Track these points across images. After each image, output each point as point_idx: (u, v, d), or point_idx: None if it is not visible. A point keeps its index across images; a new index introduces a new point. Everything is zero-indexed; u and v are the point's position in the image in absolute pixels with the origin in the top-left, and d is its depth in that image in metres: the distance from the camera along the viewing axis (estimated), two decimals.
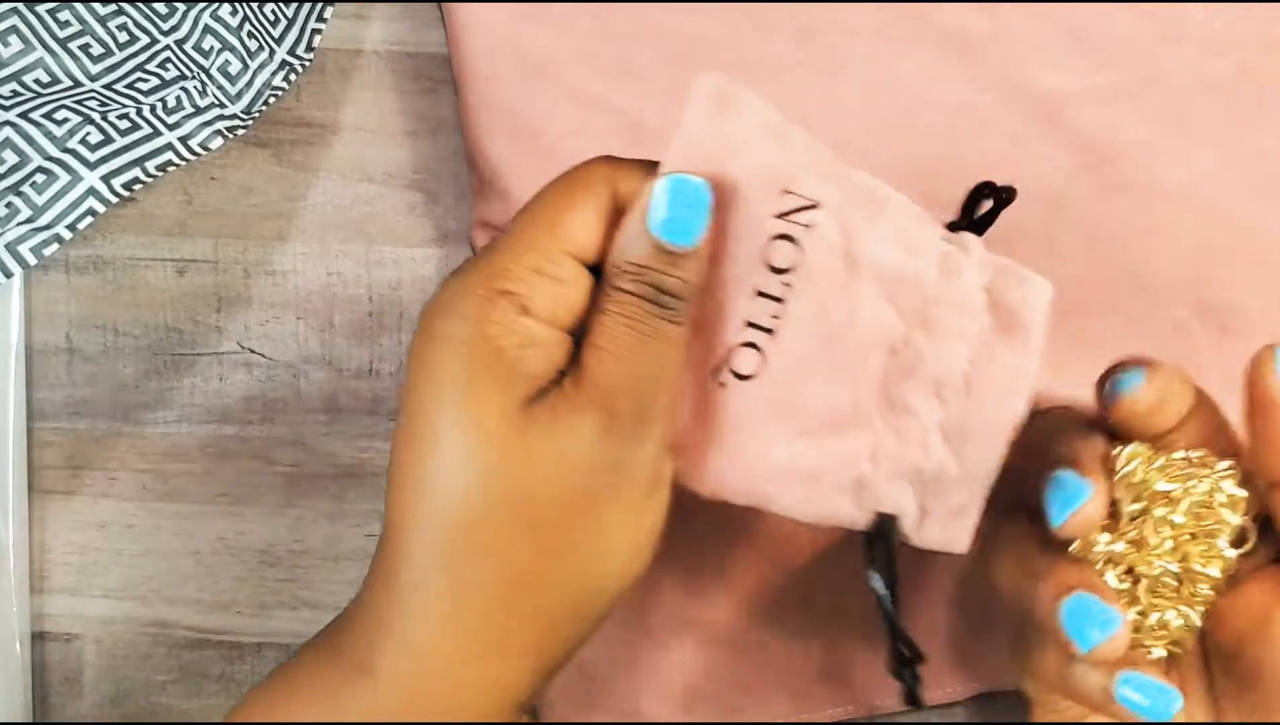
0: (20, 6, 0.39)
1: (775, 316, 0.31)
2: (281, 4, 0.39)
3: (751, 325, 0.32)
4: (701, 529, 0.41)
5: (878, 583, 0.32)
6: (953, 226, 0.33)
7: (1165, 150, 0.40)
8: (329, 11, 0.40)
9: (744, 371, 0.32)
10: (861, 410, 0.32)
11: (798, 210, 0.31)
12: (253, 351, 0.44)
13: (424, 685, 0.31)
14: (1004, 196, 0.33)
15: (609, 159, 0.32)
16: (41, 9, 0.39)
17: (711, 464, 0.32)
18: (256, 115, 0.39)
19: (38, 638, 0.45)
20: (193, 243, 0.44)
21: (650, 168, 0.32)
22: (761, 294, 0.32)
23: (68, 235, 0.36)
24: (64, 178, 0.36)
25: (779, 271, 0.31)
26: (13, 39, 0.38)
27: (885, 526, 0.32)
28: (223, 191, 0.44)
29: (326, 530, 0.45)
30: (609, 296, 0.31)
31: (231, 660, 0.45)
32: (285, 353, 0.44)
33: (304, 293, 0.44)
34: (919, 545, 0.32)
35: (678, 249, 0.30)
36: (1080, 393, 0.34)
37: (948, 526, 0.32)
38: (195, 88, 0.38)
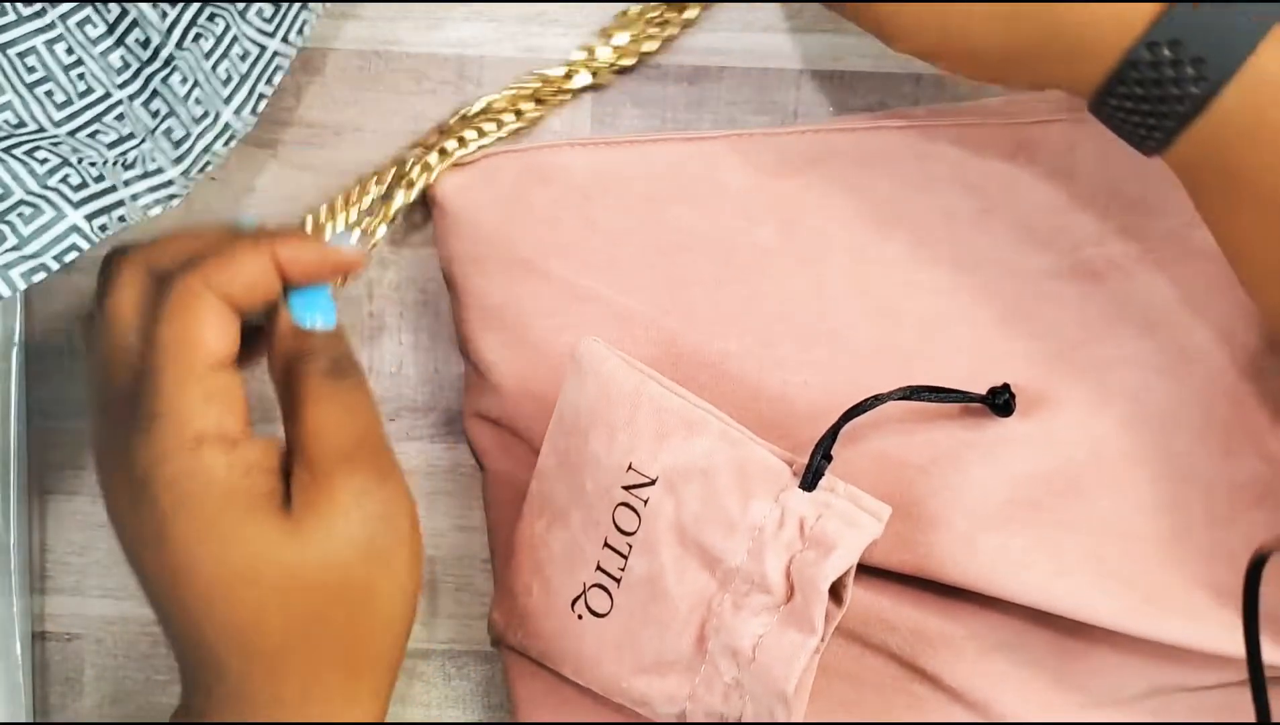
0: None
1: (621, 569, 0.38)
2: (237, 61, 0.38)
3: (603, 570, 0.38)
4: None
5: None
6: (818, 448, 0.36)
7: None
8: (278, 78, 0.39)
9: (599, 610, 0.38)
10: (683, 658, 0.37)
11: (638, 485, 0.37)
12: None
13: None
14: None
15: (201, 273, 0.33)
16: (11, 53, 0.39)
17: (570, 674, 0.40)
18: (194, 180, 0.39)
19: (38, 638, 0.45)
20: None
21: (228, 244, 0.34)
22: (610, 547, 0.37)
23: (54, 266, 0.35)
24: (49, 212, 0.36)
25: (624, 533, 0.37)
26: None
27: None
28: (223, 191, 0.44)
29: None
30: (304, 381, 0.33)
31: None
32: None
33: None
34: None
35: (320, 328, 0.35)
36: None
37: None
38: (148, 149, 0.38)
